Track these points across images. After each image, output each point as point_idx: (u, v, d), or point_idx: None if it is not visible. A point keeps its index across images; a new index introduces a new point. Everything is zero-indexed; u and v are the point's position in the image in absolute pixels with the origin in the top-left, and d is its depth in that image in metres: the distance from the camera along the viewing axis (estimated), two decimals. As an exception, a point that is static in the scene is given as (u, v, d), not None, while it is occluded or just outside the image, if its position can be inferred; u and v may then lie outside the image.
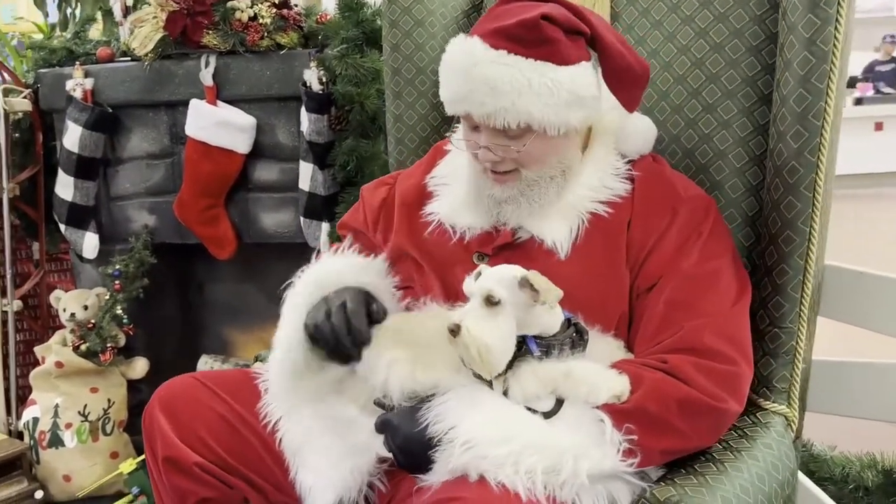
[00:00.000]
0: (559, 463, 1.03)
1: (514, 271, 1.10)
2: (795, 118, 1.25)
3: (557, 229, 1.26)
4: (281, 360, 1.29)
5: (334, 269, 1.32)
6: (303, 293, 1.30)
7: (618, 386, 1.10)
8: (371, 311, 1.26)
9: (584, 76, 1.21)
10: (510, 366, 1.11)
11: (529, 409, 1.09)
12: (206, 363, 2.51)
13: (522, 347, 1.12)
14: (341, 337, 1.22)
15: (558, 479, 1.02)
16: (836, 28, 1.20)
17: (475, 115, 1.20)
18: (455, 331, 1.08)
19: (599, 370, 1.11)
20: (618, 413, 1.08)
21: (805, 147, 1.24)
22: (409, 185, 1.44)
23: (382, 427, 1.18)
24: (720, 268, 1.22)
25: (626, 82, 1.26)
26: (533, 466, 1.02)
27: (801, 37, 1.23)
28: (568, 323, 1.15)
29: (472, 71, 1.18)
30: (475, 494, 1.00)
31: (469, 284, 1.12)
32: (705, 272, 1.21)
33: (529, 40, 1.17)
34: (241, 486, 1.34)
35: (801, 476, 1.51)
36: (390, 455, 1.18)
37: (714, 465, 1.12)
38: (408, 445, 1.14)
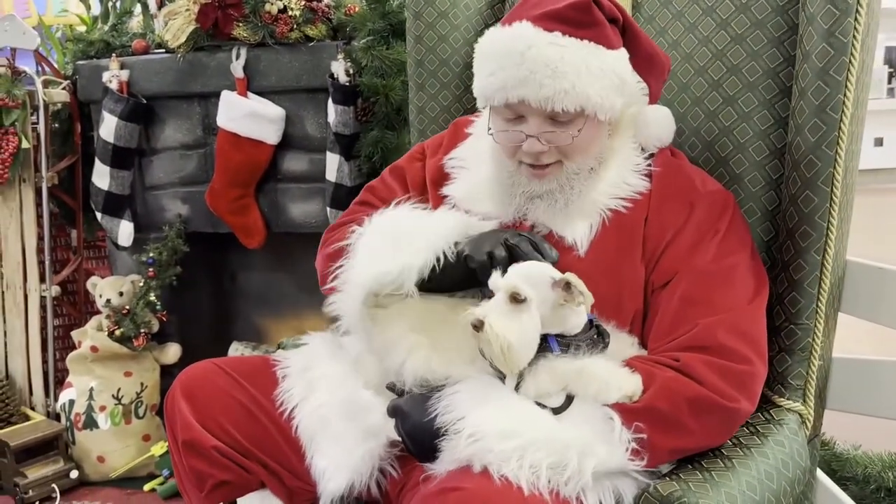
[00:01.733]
0: (564, 459, 1.03)
1: (547, 270, 1.10)
2: (813, 111, 1.22)
3: (578, 227, 1.25)
4: (380, 282, 1.22)
5: (461, 218, 1.26)
6: (431, 236, 1.22)
7: (630, 386, 1.09)
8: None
9: (625, 62, 1.22)
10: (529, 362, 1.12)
11: (539, 404, 1.10)
12: (236, 350, 2.56)
13: (542, 345, 1.12)
14: (539, 243, 1.16)
15: (563, 475, 1.03)
16: (856, 19, 1.17)
17: (532, 100, 1.17)
18: (478, 326, 1.07)
19: (612, 369, 1.11)
20: (627, 411, 1.08)
21: (823, 140, 1.22)
22: (434, 164, 1.44)
23: (393, 412, 1.20)
24: (737, 264, 1.21)
25: (655, 69, 1.27)
26: (538, 462, 1.02)
27: (819, 28, 1.20)
28: (590, 324, 1.15)
29: (527, 53, 1.16)
30: (477, 485, 1.01)
31: (495, 280, 1.11)
32: (721, 269, 1.20)
33: (582, 22, 1.17)
34: (258, 471, 1.37)
35: (822, 475, 1.49)
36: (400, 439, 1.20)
37: (722, 461, 1.11)
38: (416, 433, 1.15)
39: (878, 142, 6.51)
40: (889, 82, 6.72)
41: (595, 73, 1.16)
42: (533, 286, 1.08)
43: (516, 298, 1.07)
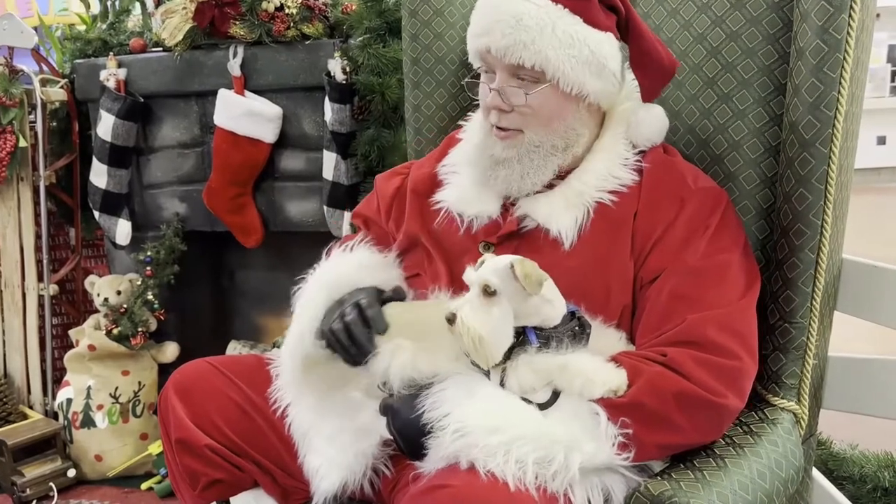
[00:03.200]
0: (551, 454, 1.03)
1: (508, 260, 1.10)
2: (807, 108, 1.21)
3: (563, 219, 1.25)
4: (292, 354, 1.30)
5: (345, 271, 1.32)
6: (315, 296, 1.31)
7: (614, 380, 1.09)
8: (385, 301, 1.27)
9: (610, 47, 1.22)
10: (510, 356, 1.11)
11: (526, 400, 1.10)
12: (235, 349, 2.56)
13: (521, 337, 1.12)
14: (357, 335, 1.21)
15: (549, 470, 1.02)
16: (850, 16, 1.16)
17: (493, 48, 1.20)
18: (452, 320, 1.09)
19: (596, 364, 1.10)
20: (613, 406, 1.08)
21: (817, 138, 1.21)
22: (421, 175, 1.44)
23: (384, 410, 1.20)
24: (728, 261, 1.20)
25: (652, 69, 1.26)
26: (524, 457, 1.02)
27: (813, 24, 1.19)
28: (571, 316, 1.14)
29: (500, 6, 1.20)
30: (464, 482, 1.01)
31: (469, 274, 1.12)
32: (712, 265, 1.19)
33: None
34: (251, 469, 1.37)
35: (818, 475, 1.48)
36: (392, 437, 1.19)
37: (714, 460, 1.10)
38: (406, 430, 1.15)
39: (881, 140, 6.49)
40: (892, 80, 6.69)
41: (561, 37, 1.18)
42: (502, 279, 1.08)
43: (487, 291, 1.08)
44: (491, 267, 1.10)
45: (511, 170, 1.27)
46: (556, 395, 1.09)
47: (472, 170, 1.33)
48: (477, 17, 1.26)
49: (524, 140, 1.25)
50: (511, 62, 1.20)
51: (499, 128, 1.26)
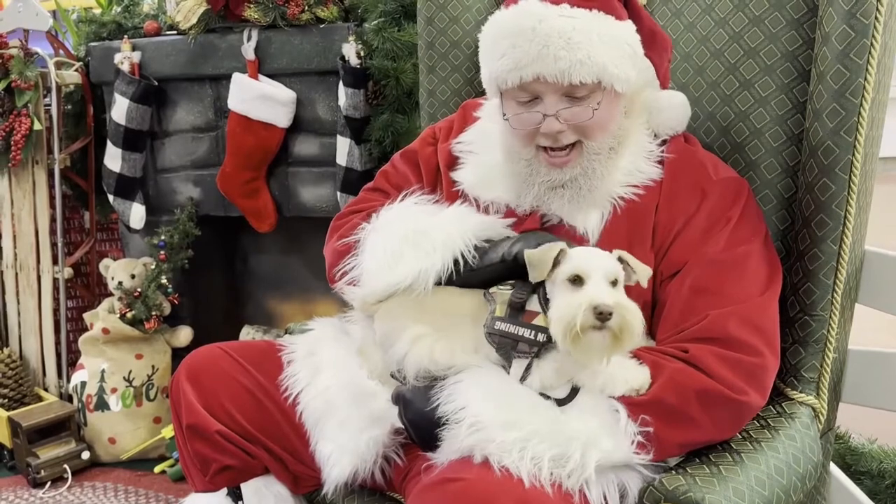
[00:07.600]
0: (567, 452, 1.01)
1: (616, 253, 1.08)
2: (832, 95, 1.18)
3: (590, 216, 1.23)
4: (431, 269, 1.17)
5: (476, 217, 1.23)
6: (458, 213, 1.22)
7: (637, 379, 1.07)
8: None
9: (634, 33, 1.20)
10: (539, 353, 1.08)
11: (544, 395, 1.08)
12: (248, 334, 2.56)
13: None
14: None
15: (565, 468, 1.00)
16: (878, 0, 1.13)
17: (548, 74, 1.14)
18: (606, 315, 1.00)
19: (619, 362, 1.08)
20: (634, 404, 1.06)
21: (842, 126, 1.18)
22: (445, 148, 1.41)
23: (396, 399, 1.19)
24: (748, 254, 1.17)
25: (657, 45, 1.25)
26: (540, 454, 1.00)
27: (840, 9, 1.16)
28: None
29: (538, 28, 1.13)
30: (477, 476, 1.00)
31: (588, 264, 1.04)
32: (732, 258, 1.16)
33: None
34: (262, 456, 1.36)
35: (836, 469, 1.46)
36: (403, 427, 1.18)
37: (730, 455, 1.08)
38: (418, 421, 1.14)
39: (904, 129, 6.39)
40: (916, 68, 6.58)
41: (608, 41, 1.14)
42: (618, 271, 1.06)
43: (615, 282, 1.05)
44: (608, 259, 1.06)
45: (577, 189, 1.21)
46: (574, 391, 1.07)
47: (502, 168, 1.29)
48: (507, 47, 1.16)
49: (584, 150, 1.20)
50: (571, 82, 1.14)
51: (555, 149, 1.20)
